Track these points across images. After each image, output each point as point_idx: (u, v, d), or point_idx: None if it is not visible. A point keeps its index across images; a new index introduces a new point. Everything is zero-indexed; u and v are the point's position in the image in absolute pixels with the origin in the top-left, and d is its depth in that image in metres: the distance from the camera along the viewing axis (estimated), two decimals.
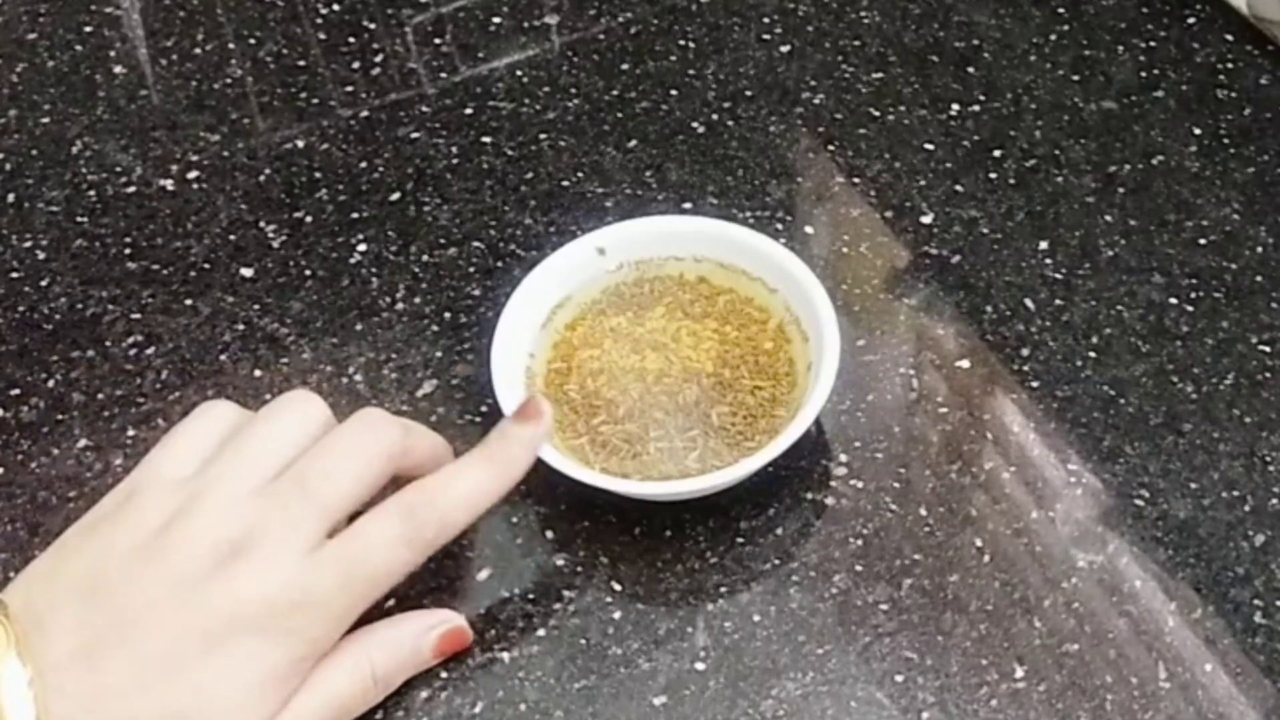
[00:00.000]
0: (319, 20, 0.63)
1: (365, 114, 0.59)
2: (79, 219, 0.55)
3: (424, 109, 0.59)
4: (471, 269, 0.52)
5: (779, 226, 0.53)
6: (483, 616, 0.42)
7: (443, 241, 0.53)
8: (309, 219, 0.54)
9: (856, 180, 0.55)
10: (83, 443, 0.48)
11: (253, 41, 0.62)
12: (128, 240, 0.54)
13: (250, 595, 0.36)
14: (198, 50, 0.62)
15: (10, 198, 0.56)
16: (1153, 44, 0.60)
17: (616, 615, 0.42)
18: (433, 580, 0.43)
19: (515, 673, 0.41)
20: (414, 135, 0.58)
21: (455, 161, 0.56)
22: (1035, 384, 0.48)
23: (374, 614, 0.39)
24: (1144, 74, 0.58)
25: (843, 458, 0.46)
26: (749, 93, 0.59)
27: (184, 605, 0.36)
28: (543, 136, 0.57)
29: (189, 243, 0.54)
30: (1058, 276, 0.51)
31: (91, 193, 0.56)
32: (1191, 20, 0.61)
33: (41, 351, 0.50)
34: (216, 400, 0.41)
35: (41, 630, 0.35)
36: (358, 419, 0.40)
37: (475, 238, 0.53)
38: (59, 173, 0.57)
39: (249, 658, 0.36)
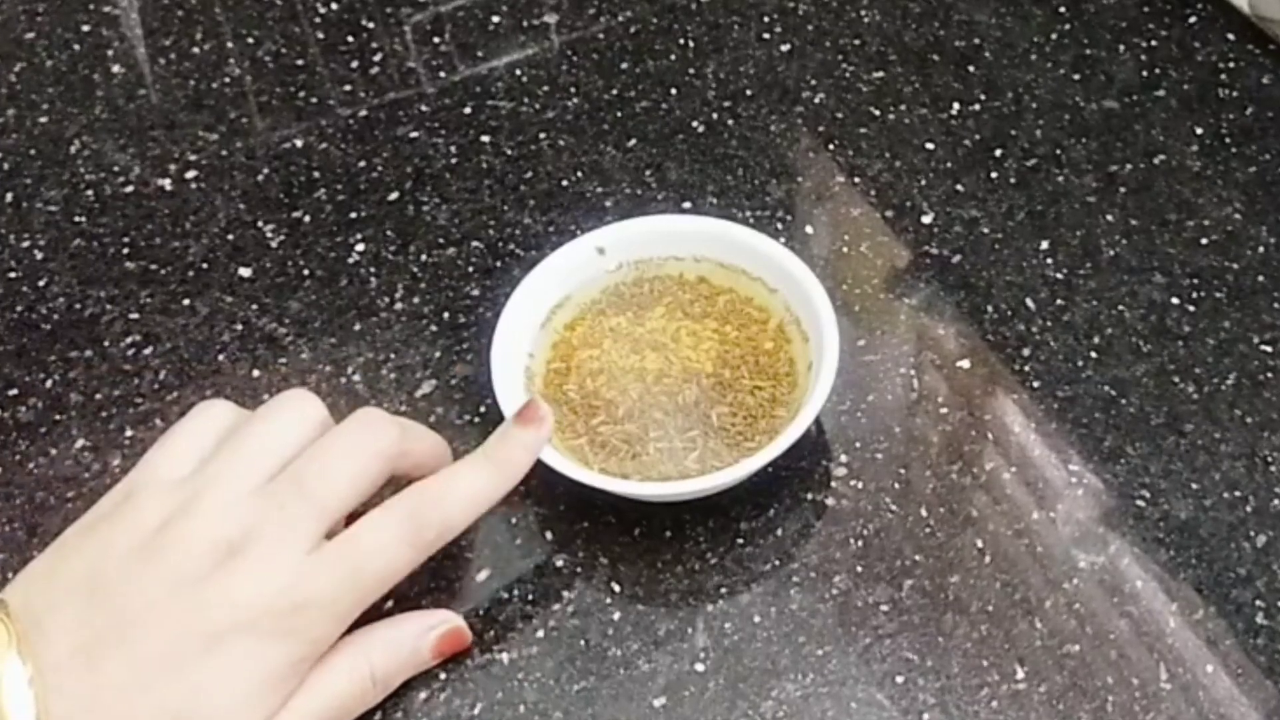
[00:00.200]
0: (317, 19, 0.63)
1: (364, 113, 0.59)
2: (77, 219, 0.55)
3: (423, 108, 0.59)
4: (470, 269, 0.52)
5: (779, 226, 0.53)
6: (482, 617, 0.42)
7: (441, 241, 0.53)
8: (307, 219, 0.54)
9: (856, 180, 0.55)
10: (81, 443, 0.47)
11: (251, 41, 0.62)
12: (126, 240, 0.54)
13: (249, 596, 0.36)
14: (196, 50, 0.62)
15: (8, 197, 0.56)
16: (1154, 43, 0.60)
17: (616, 616, 0.42)
18: (432, 580, 0.43)
19: (514, 673, 0.41)
20: (413, 135, 0.57)
21: (454, 161, 0.56)
22: (1036, 384, 0.48)
23: (373, 614, 0.39)
24: (1145, 73, 0.58)
25: (843, 458, 0.46)
26: (749, 92, 0.58)
27: (183, 605, 0.36)
28: (542, 136, 0.57)
29: (187, 242, 0.54)
30: (1059, 276, 0.51)
31: (89, 192, 0.56)
32: (1193, 19, 0.61)
33: (39, 351, 0.50)
34: (214, 400, 0.41)
35: (41, 629, 0.35)
36: (356, 419, 0.40)
37: (474, 237, 0.53)
38: (57, 172, 0.57)
39: (248, 658, 0.36)
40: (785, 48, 0.60)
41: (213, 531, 0.36)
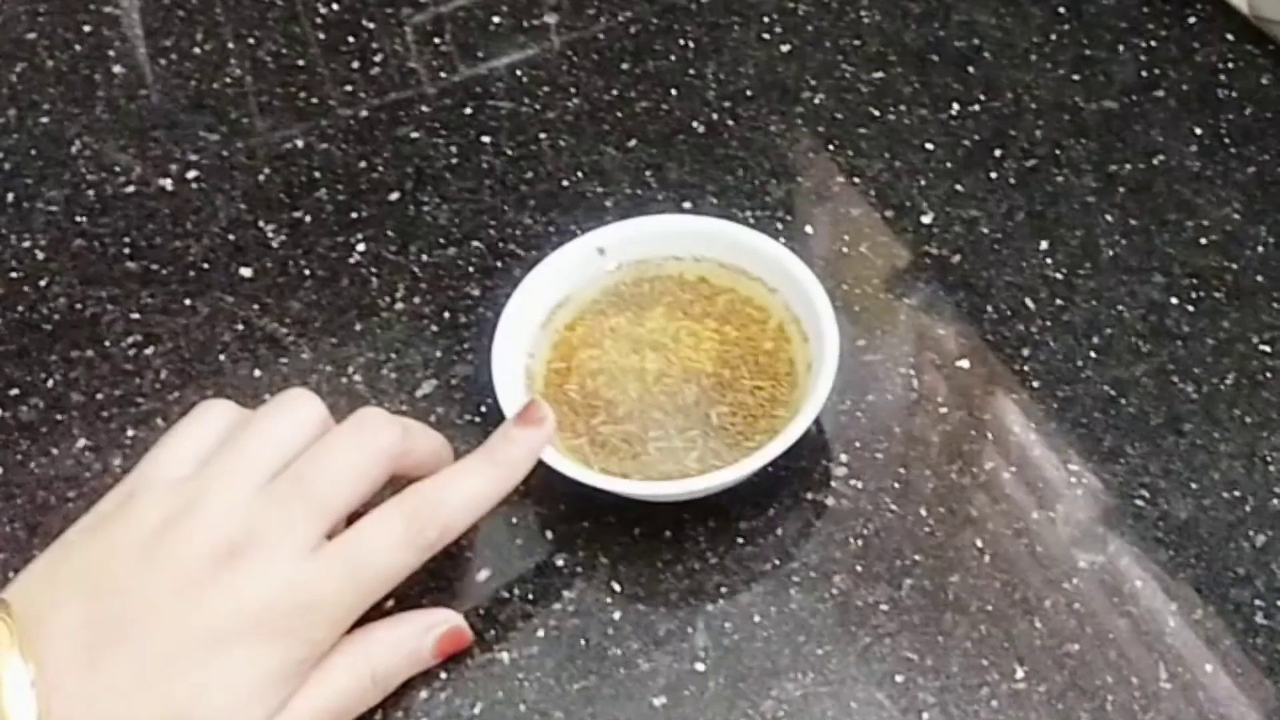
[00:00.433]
0: (318, 20, 0.63)
1: (364, 114, 0.59)
2: (78, 219, 0.55)
3: (423, 109, 0.59)
4: (471, 269, 0.52)
5: (779, 226, 0.53)
6: (482, 617, 0.42)
7: (442, 241, 0.53)
8: (308, 219, 0.54)
9: (856, 180, 0.55)
10: (82, 443, 0.47)
11: (252, 41, 0.62)
12: (127, 240, 0.54)
13: (250, 596, 0.36)
14: (197, 50, 0.62)
15: (9, 197, 0.56)
16: (1153, 43, 0.60)
17: (616, 616, 0.42)
18: (432, 580, 0.43)
19: (515, 673, 0.41)
20: (413, 135, 0.58)
21: (455, 161, 0.56)
22: (1036, 384, 0.48)
23: (373, 614, 0.39)
24: (1145, 73, 0.58)
25: (843, 458, 0.46)
26: (749, 93, 0.58)
27: (185, 605, 0.36)
28: (542, 136, 0.57)
29: (188, 242, 0.54)
30: (1058, 276, 0.51)
31: (90, 192, 0.56)
32: (1192, 20, 0.61)
33: (41, 351, 0.50)
34: (215, 400, 0.41)
35: (43, 629, 0.35)
36: (356, 419, 0.40)
37: (474, 237, 0.53)
38: (58, 172, 0.57)
39: (249, 658, 0.36)
40: (785, 48, 0.60)
41: (214, 532, 0.37)
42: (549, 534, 0.44)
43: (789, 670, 0.41)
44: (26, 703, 0.34)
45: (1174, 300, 0.50)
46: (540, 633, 0.42)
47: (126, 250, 0.54)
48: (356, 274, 0.52)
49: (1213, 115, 0.56)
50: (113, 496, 0.39)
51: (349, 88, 0.60)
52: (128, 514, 0.37)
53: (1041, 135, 0.56)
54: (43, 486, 0.46)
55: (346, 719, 0.39)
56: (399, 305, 0.51)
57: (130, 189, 0.56)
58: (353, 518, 0.39)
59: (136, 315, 0.51)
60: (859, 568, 0.43)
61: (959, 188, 0.54)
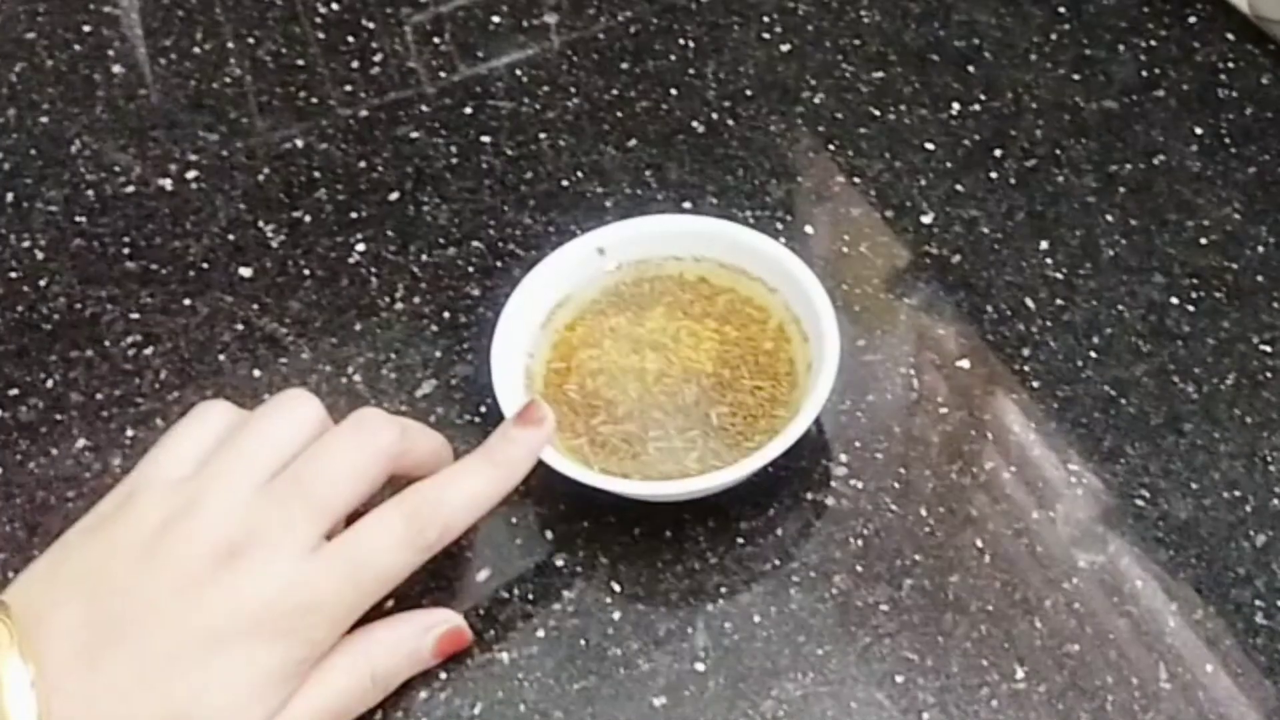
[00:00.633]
0: (318, 19, 0.63)
1: (364, 113, 0.59)
2: (77, 219, 0.55)
3: (423, 108, 0.59)
4: (471, 269, 0.52)
5: (779, 226, 0.53)
6: (482, 617, 0.42)
7: (442, 241, 0.53)
8: (308, 219, 0.54)
9: (856, 180, 0.55)
10: (81, 443, 0.47)
11: (251, 41, 0.62)
12: (126, 240, 0.54)
13: (250, 596, 0.36)
14: (196, 50, 0.62)
15: (9, 197, 0.56)
16: (1153, 43, 0.60)
17: (616, 616, 0.42)
18: (432, 580, 0.43)
19: (515, 673, 0.41)
20: (413, 135, 0.58)
21: (454, 161, 0.56)
22: (1036, 384, 0.48)
23: (373, 614, 0.39)
24: (1145, 73, 0.58)
25: (843, 458, 0.46)
26: (749, 93, 0.58)
27: (185, 606, 0.36)
28: (542, 136, 0.57)
29: (188, 242, 0.54)
30: (1058, 276, 0.51)
31: (90, 192, 0.56)
32: (1192, 19, 0.61)
33: (40, 351, 0.50)
34: (214, 400, 0.41)
35: (43, 630, 0.35)
36: (355, 419, 0.40)
37: (474, 238, 0.53)
38: (57, 172, 0.57)
39: (248, 659, 0.36)
40: (785, 48, 0.60)
41: (214, 532, 0.37)
42: (549, 534, 0.44)
43: (789, 670, 0.41)
44: (27, 703, 0.34)
45: (1174, 300, 0.50)
46: (540, 633, 0.42)
47: (126, 250, 0.54)
48: (356, 274, 0.52)
49: (1213, 115, 0.56)
50: (112, 497, 0.39)
51: (349, 87, 0.60)
52: (127, 514, 0.37)
53: (1041, 135, 0.56)
54: (43, 486, 0.46)
55: (346, 719, 0.39)
56: (399, 305, 0.51)
57: (130, 189, 0.56)
58: (352, 518, 0.39)
59: (136, 315, 0.51)
60: (859, 568, 0.43)
61: (959, 188, 0.54)
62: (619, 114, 0.58)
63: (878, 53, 0.60)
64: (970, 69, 0.59)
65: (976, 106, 0.57)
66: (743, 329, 0.47)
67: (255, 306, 0.51)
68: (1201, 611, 0.42)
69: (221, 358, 0.50)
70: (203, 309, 0.51)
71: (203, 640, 0.35)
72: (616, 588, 0.43)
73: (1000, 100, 0.57)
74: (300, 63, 0.61)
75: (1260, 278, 0.51)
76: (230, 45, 0.62)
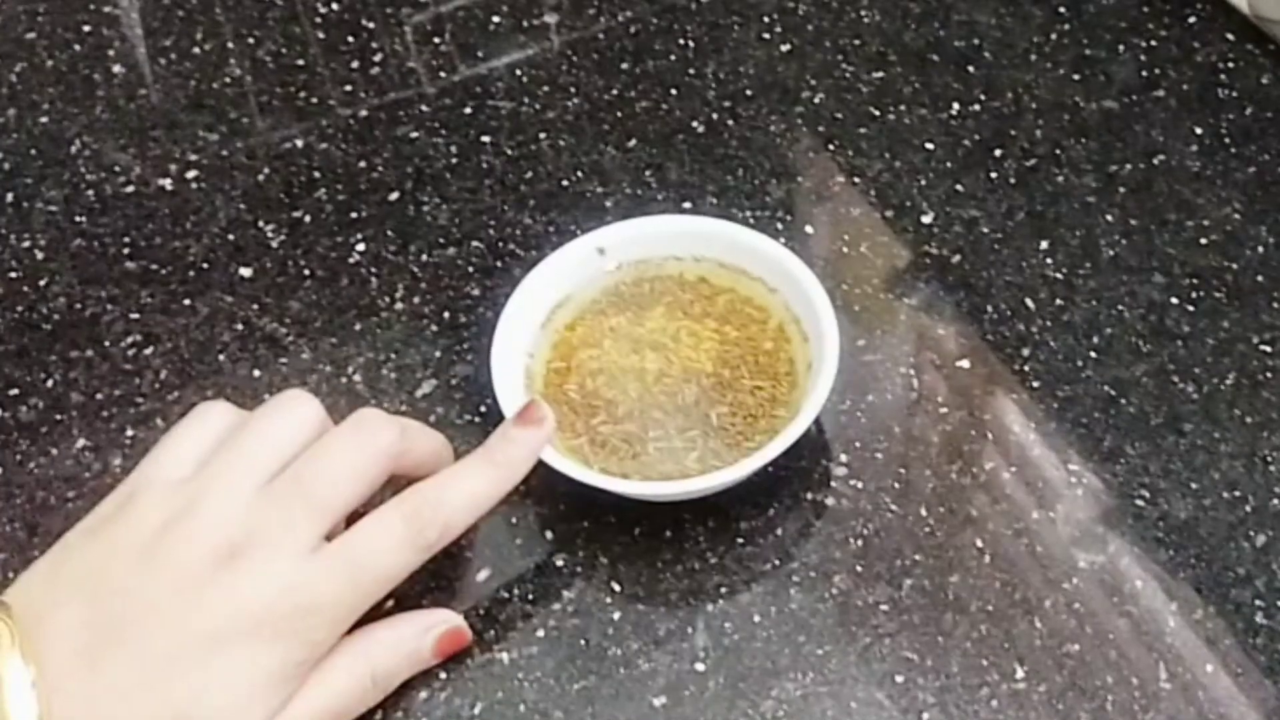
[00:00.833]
0: (318, 19, 0.63)
1: (364, 113, 0.59)
2: (77, 219, 0.55)
3: (423, 108, 0.59)
4: (471, 269, 0.52)
5: (779, 226, 0.53)
6: (482, 617, 0.42)
7: (442, 241, 0.53)
8: (308, 218, 0.54)
9: (856, 180, 0.55)
10: (82, 443, 0.47)
11: (251, 41, 0.62)
12: (126, 240, 0.54)
13: (250, 597, 0.36)
14: (196, 50, 0.62)
15: (9, 197, 0.56)
16: (1153, 43, 0.60)
17: (616, 616, 0.42)
18: (432, 580, 0.43)
19: (515, 673, 0.41)
20: (413, 135, 0.58)
21: (454, 161, 0.56)
22: (1036, 384, 0.48)
23: (373, 614, 0.39)
24: (1145, 73, 0.58)
25: (843, 458, 0.46)
26: (749, 93, 0.58)
27: (185, 606, 0.36)
28: (542, 136, 0.57)
29: (188, 242, 0.54)
30: (1058, 276, 0.51)
31: (90, 192, 0.56)
32: (1192, 19, 0.61)
33: (40, 351, 0.50)
34: (214, 401, 0.41)
35: (43, 631, 0.35)
36: (354, 419, 0.40)
37: (474, 237, 0.53)
38: (57, 172, 0.57)
39: (249, 659, 0.36)
40: (785, 48, 0.60)
41: (214, 533, 0.37)
42: (549, 534, 0.44)
43: (789, 670, 0.41)
44: (27, 704, 0.34)
45: (1174, 300, 0.50)
46: (540, 633, 0.42)
47: (126, 250, 0.54)
48: (356, 274, 0.52)
49: (1213, 115, 0.56)
50: (113, 498, 0.39)
51: (349, 87, 0.60)
52: (128, 515, 0.37)
53: (1041, 135, 0.56)
54: (42, 486, 0.46)
55: (346, 719, 0.39)
56: (399, 305, 0.51)
57: (130, 189, 0.56)
58: (352, 518, 0.39)
59: (136, 315, 0.51)
60: (859, 568, 0.43)
61: (959, 188, 0.54)
62: (619, 114, 0.58)
63: (878, 53, 0.60)
64: (970, 69, 0.59)
65: (976, 106, 0.57)
66: (743, 329, 0.47)
67: (255, 306, 0.51)
68: (1201, 611, 0.42)
69: (221, 358, 0.50)
70: (203, 309, 0.51)
71: (203, 641, 0.35)
72: (616, 588, 0.43)
73: (1000, 100, 0.57)
74: (300, 63, 0.61)
75: (1260, 278, 0.51)
76: (230, 45, 0.62)
